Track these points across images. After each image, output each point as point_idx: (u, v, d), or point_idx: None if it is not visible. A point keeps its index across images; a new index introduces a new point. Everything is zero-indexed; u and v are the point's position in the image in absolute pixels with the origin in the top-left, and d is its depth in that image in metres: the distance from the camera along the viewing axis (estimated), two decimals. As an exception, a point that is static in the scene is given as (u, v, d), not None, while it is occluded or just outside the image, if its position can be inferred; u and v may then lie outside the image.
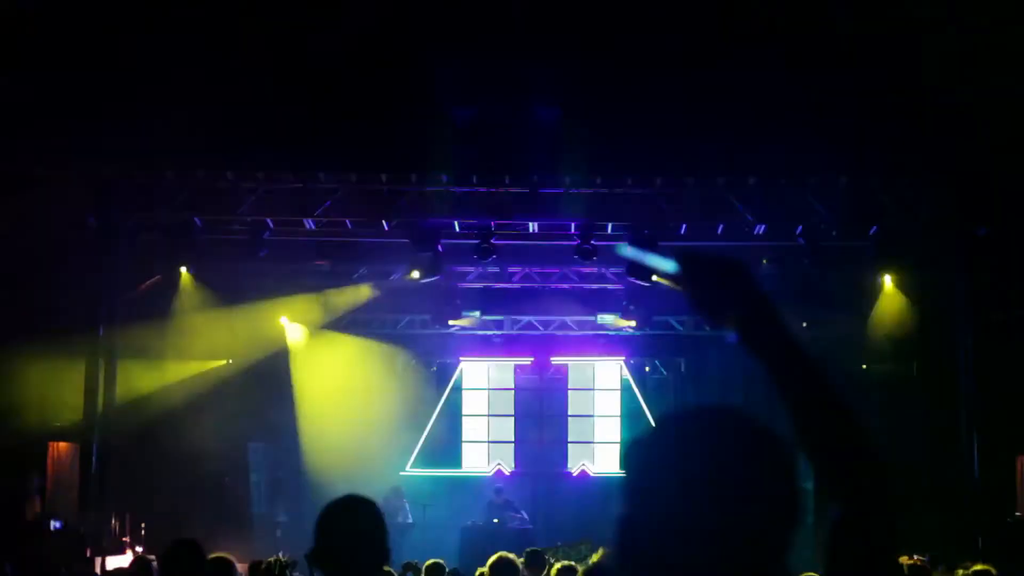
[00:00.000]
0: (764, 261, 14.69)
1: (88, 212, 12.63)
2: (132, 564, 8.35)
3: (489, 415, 19.13)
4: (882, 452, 1.63)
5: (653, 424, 1.61)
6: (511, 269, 16.52)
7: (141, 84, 11.21)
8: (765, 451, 1.55)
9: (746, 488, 1.51)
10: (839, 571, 1.63)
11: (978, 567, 6.62)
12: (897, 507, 1.62)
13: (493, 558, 6.98)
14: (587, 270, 16.21)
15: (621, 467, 1.57)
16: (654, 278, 1.76)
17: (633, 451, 1.57)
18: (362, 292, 16.59)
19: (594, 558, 6.87)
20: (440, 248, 13.41)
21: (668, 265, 1.69)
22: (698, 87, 11.46)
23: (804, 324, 16.82)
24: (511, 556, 7.11)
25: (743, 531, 1.50)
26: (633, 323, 17.36)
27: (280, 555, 8.03)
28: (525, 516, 17.03)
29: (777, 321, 1.66)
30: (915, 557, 6.98)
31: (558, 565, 7.05)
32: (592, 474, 18.73)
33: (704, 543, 1.49)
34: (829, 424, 1.63)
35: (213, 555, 5.32)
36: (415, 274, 13.75)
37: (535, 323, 18.81)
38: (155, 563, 7.68)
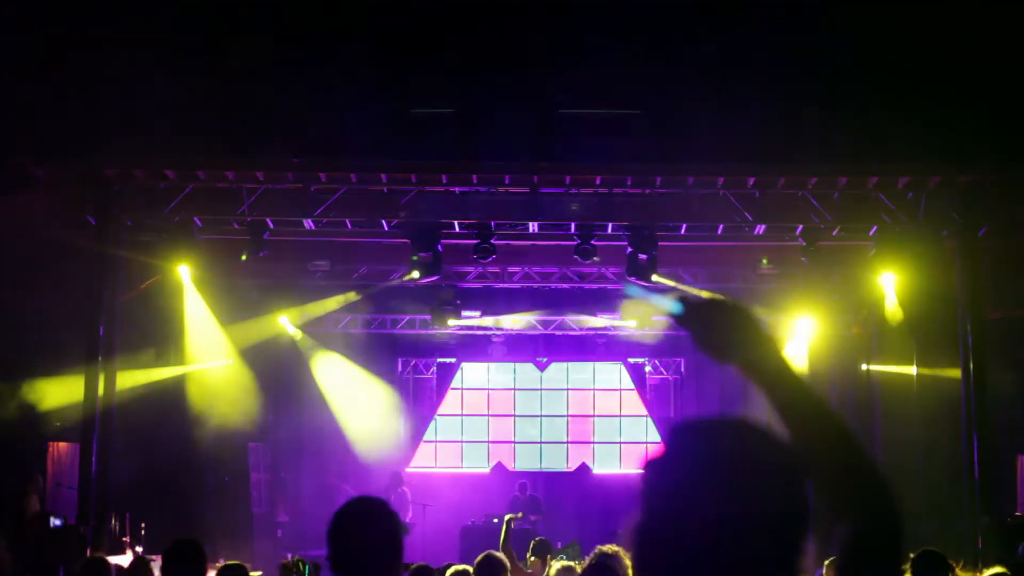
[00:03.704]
0: (764, 261, 14.70)
1: (88, 212, 12.63)
2: (132, 564, 8.34)
3: (489, 415, 19.14)
4: (884, 470, 1.70)
5: (665, 440, 1.65)
6: (511, 269, 16.52)
7: (142, 83, 11.20)
8: (775, 459, 1.59)
9: (761, 495, 1.54)
10: None
11: (998, 569, 6.60)
12: (903, 522, 1.68)
13: (480, 556, 6.98)
14: (587, 270, 16.20)
15: (642, 484, 1.63)
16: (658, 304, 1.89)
17: (651, 471, 1.61)
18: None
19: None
20: (440, 248, 13.41)
21: (672, 306, 1.83)
22: (696, 84, 11.45)
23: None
24: (497, 555, 7.09)
25: (761, 537, 1.52)
26: (633, 323, 17.36)
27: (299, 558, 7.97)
28: (536, 519, 16.73)
29: (780, 358, 1.76)
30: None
31: (557, 566, 7.04)
32: (591, 474, 18.73)
33: (724, 552, 1.51)
34: (834, 451, 1.71)
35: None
36: (415, 274, 13.73)
37: (535, 323, 18.82)
38: (154, 563, 7.67)
